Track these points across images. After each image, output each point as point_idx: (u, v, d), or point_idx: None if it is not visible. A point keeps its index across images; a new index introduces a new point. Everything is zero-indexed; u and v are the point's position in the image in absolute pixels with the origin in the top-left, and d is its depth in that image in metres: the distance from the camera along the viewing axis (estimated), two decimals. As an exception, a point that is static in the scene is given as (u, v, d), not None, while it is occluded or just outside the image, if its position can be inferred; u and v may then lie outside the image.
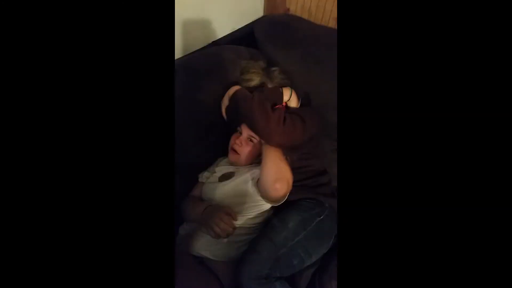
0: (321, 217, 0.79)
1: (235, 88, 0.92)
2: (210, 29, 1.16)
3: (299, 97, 0.98)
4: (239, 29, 1.25)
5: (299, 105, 0.97)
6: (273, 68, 0.97)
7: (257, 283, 0.68)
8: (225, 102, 0.93)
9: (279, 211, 0.83)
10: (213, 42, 1.17)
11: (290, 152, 0.86)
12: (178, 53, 1.07)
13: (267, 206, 0.83)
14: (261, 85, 0.94)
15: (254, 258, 0.71)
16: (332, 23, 1.17)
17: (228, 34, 1.21)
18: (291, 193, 0.80)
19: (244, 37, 1.19)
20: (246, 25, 1.26)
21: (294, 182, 0.82)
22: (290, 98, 0.95)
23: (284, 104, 0.94)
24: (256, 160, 0.91)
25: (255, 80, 0.94)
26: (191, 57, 1.04)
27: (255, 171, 0.85)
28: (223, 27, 1.20)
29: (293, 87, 0.96)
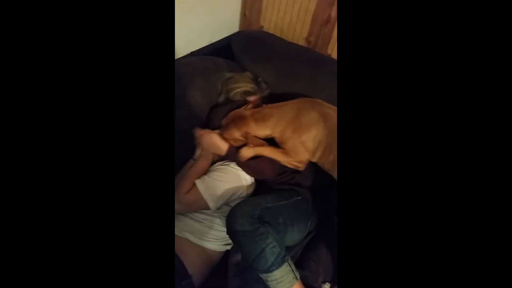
0: (298, 198, 0.93)
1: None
2: (189, 40, 1.22)
3: None
4: (216, 42, 1.32)
5: None
6: (259, 79, 1.08)
7: (249, 222, 0.74)
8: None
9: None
10: (191, 52, 1.23)
11: None
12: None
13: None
14: (254, 93, 1.04)
15: (245, 203, 0.82)
16: (302, 43, 1.30)
17: (205, 46, 1.28)
18: (272, 184, 0.95)
19: (221, 49, 1.27)
20: (222, 38, 1.35)
21: (275, 180, 0.97)
22: None
23: None
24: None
25: (247, 87, 1.03)
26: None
27: None
28: (201, 39, 1.27)
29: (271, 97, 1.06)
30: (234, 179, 0.92)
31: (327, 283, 0.89)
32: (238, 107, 1.00)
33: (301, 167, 0.92)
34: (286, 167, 0.94)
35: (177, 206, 0.87)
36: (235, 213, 0.77)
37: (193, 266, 0.85)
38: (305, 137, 0.88)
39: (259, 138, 0.92)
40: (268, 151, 0.91)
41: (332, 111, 0.90)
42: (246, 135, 0.89)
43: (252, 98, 1.04)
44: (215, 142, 0.92)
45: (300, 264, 0.93)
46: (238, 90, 1.03)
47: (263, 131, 0.91)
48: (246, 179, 0.95)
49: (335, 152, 0.86)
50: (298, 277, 0.77)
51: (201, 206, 0.88)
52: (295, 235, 0.90)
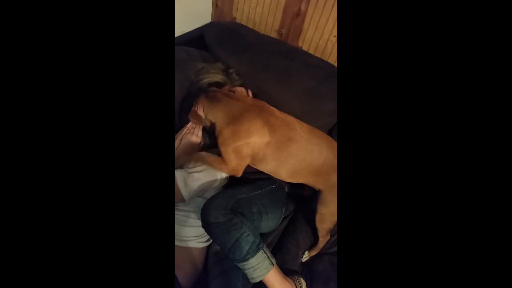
0: (273, 186, 0.97)
1: None
2: (160, 29, 1.19)
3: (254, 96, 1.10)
4: (188, 32, 1.30)
5: None
6: (230, 70, 1.07)
7: (222, 213, 0.77)
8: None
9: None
10: (163, 42, 1.20)
11: None
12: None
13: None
14: (224, 84, 1.03)
15: (219, 195, 0.83)
16: (274, 35, 1.32)
17: (178, 36, 1.26)
18: (249, 174, 0.95)
19: (194, 40, 1.26)
20: (195, 29, 1.33)
21: (252, 171, 0.98)
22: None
23: None
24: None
25: (215, 78, 1.03)
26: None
27: None
28: (172, 29, 1.24)
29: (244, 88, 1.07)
30: (210, 171, 0.92)
31: (306, 252, 0.96)
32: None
33: (238, 174, 0.91)
34: None
35: None
36: (209, 206, 0.78)
37: (183, 274, 0.85)
38: (240, 143, 0.85)
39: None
40: (208, 160, 0.91)
41: (280, 122, 0.87)
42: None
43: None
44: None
45: (279, 248, 0.97)
46: (207, 80, 1.03)
47: (209, 114, 0.90)
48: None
49: (293, 164, 0.86)
50: (274, 263, 0.81)
51: (177, 199, 0.88)
52: (270, 223, 0.94)
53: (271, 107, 0.91)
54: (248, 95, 1.05)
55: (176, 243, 0.89)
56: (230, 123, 0.86)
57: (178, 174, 0.87)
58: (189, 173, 0.90)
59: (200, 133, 1.00)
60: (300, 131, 0.87)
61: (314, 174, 0.87)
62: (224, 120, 0.87)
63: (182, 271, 0.84)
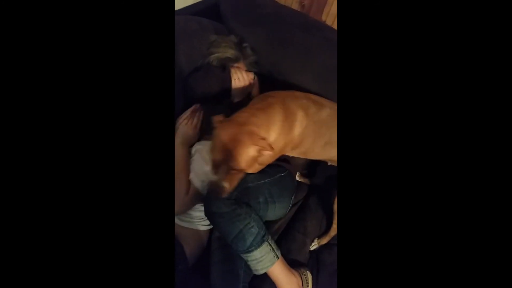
0: (283, 174, 0.88)
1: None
2: (172, -3, 1.10)
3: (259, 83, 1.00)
4: (202, 0, 1.21)
5: (258, 92, 0.99)
6: (245, 44, 0.98)
7: (226, 204, 0.71)
8: None
9: None
10: (175, 11, 1.12)
11: None
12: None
13: None
14: (235, 60, 0.94)
15: None
16: (295, 6, 1.20)
17: (191, 5, 1.17)
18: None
19: (208, 9, 1.16)
20: (209, -3, 1.23)
21: None
22: (253, 83, 0.97)
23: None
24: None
25: (227, 53, 0.94)
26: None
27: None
28: (185, -3, 1.15)
29: (259, 65, 0.98)
30: None
31: (315, 240, 0.91)
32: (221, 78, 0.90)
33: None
34: None
35: (182, 209, 0.84)
36: (212, 195, 0.73)
37: (189, 248, 0.83)
38: (289, 139, 0.75)
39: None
40: None
41: (307, 100, 0.79)
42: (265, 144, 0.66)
43: (236, 65, 0.95)
44: None
45: (285, 236, 0.93)
46: (217, 55, 0.95)
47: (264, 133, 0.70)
48: None
49: (324, 134, 0.78)
50: (279, 255, 0.76)
51: (200, 198, 0.85)
52: (277, 212, 0.88)
53: (294, 92, 0.83)
54: (254, 82, 0.95)
55: (182, 224, 0.87)
56: (281, 132, 0.72)
57: (196, 179, 0.84)
58: (200, 167, 0.85)
59: (198, 125, 0.92)
60: (325, 101, 0.83)
61: None
62: (277, 134, 0.72)
63: (189, 246, 0.83)
